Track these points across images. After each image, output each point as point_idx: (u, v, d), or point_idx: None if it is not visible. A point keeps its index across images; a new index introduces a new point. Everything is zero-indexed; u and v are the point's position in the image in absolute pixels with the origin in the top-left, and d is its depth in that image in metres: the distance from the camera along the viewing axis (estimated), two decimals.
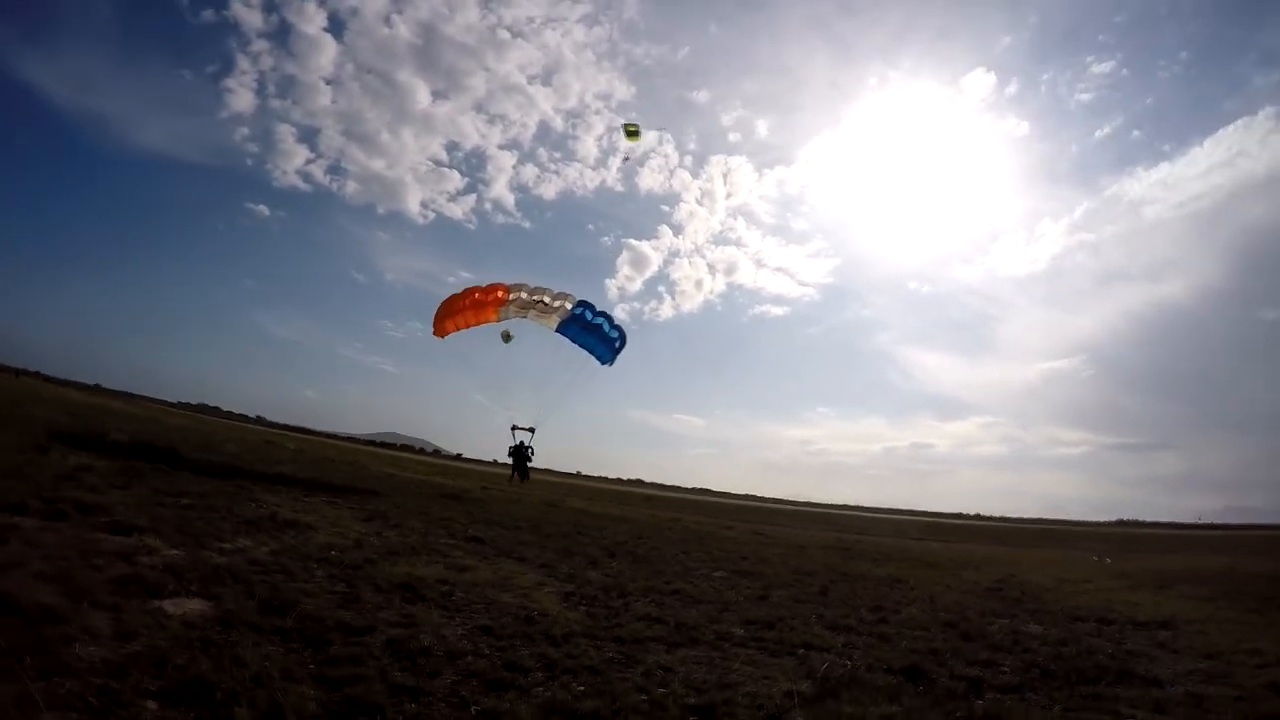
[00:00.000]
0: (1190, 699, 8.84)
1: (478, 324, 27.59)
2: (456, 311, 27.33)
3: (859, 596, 15.12)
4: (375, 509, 18.58)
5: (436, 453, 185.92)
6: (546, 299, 26.77)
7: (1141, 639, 12.44)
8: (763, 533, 33.35)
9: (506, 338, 27.15)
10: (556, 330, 27.67)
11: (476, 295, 26.95)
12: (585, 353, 28.09)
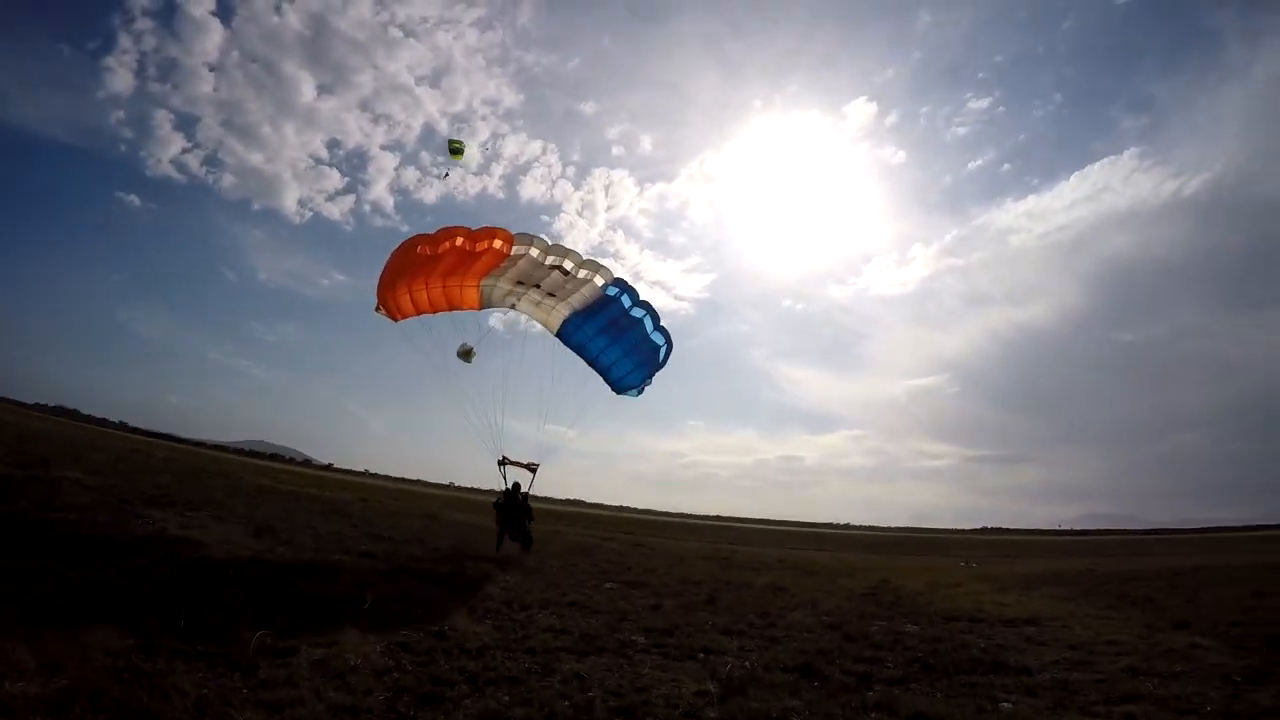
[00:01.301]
0: (1057, 684, 9.85)
1: (450, 308, 17.95)
2: (419, 272, 16.97)
3: (745, 603, 15.86)
4: (263, 523, 18.38)
5: (307, 463, 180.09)
6: (567, 265, 16.81)
7: (1010, 635, 13.52)
8: (643, 544, 34.04)
9: (468, 355, 18.35)
10: (559, 330, 18.65)
11: (459, 243, 16.32)
12: (586, 365, 19.07)
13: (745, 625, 13.06)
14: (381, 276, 17.28)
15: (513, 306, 18.61)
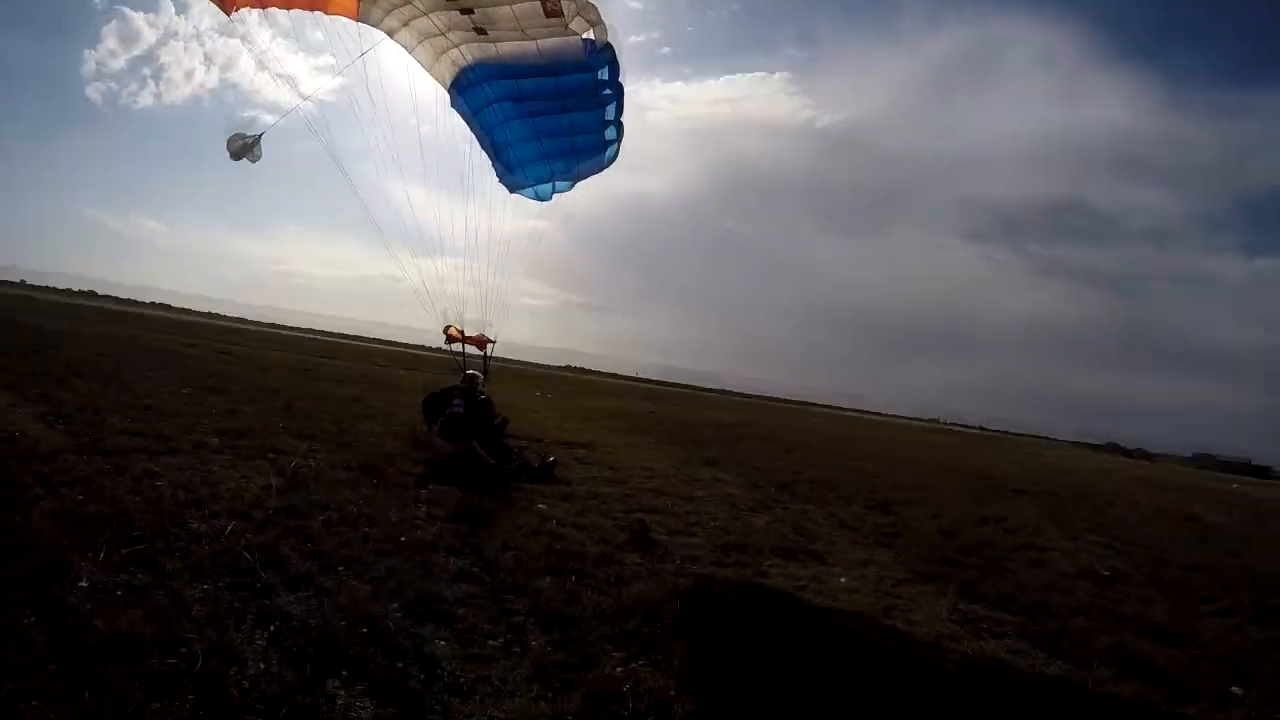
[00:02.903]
0: (591, 494, 12.67)
1: (310, 6, 10.69)
2: None
3: (322, 412, 17.05)
4: None
5: None
6: None
7: (562, 454, 15.99)
8: (229, 352, 32.87)
9: (245, 151, 11.41)
10: (460, 78, 12.38)
11: None
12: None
13: (318, 430, 14.39)
14: None
15: (390, 32, 11.86)
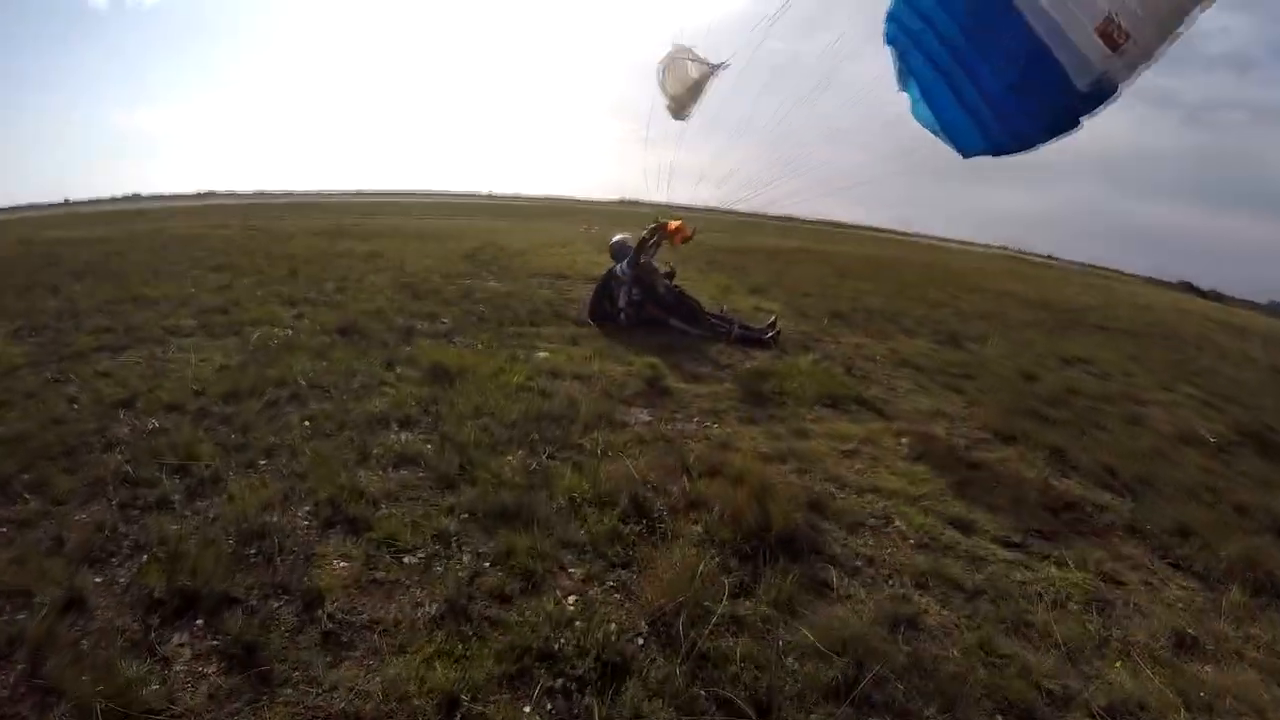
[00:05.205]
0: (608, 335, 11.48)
1: None
2: None
3: (329, 273, 15.71)
4: None
5: None
6: None
7: (585, 290, 14.20)
8: (257, 227, 31.30)
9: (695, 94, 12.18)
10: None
11: None
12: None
13: (316, 294, 13.26)
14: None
15: None
